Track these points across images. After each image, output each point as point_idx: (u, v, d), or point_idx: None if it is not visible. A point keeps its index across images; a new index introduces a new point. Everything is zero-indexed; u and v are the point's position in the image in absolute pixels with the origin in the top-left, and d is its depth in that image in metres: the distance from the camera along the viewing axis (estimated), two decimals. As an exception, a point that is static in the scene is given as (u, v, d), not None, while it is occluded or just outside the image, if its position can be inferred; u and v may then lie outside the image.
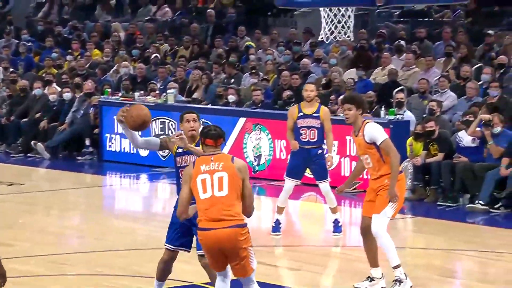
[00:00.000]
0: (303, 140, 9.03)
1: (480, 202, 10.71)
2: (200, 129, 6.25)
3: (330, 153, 9.17)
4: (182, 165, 6.39)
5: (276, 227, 9.28)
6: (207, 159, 5.85)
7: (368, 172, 6.95)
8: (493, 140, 10.91)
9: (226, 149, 12.86)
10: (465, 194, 11.20)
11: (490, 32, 14.65)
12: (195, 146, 6.37)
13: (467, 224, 10.28)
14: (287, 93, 13.70)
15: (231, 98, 13.85)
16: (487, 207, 10.65)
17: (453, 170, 11.10)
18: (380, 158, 6.75)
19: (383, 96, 13.25)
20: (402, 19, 16.98)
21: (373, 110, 12.62)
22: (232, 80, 15.25)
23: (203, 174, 5.79)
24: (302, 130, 9.04)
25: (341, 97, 12.40)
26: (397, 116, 11.93)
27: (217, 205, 5.73)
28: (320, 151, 9.15)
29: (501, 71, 13.25)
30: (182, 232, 6.44)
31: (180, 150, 6.45)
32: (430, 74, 13.78)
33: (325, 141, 9.17)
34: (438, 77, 13.31)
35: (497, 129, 10.94)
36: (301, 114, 9.09)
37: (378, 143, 6.70)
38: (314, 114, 8.97)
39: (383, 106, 12.32)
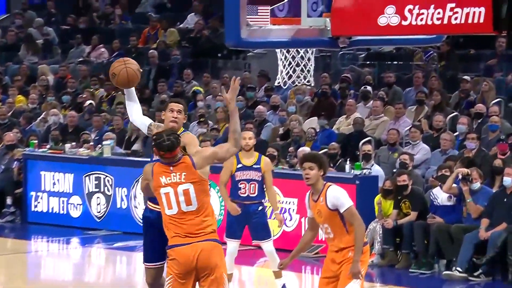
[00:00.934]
0: (242, 195, 9.04)
1: (458, 269, 10.82)
2: (182, 122, 6.57)
3: (276, 211, 9.20)
4: None
5: (228, 298, 9.26)
6: (166, 169, 5.94)
7: (328, 243, 6.97)
8: (472, 198, 11.08)
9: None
10: (441, 259, 11.28)
11: (466, 77, 14.97)
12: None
13: (443, 293, 10.39)
14: (240, 144, 13.82)
15: (176, 150, 13.90)
16: (465, 275, 10.76)
17: (427, 232, 11.20)
18: (343, 227, 6.78)
19: (348, 148, 13.44)
20: (368, 62, 17.29)
21: (337, 164, 12.78)
22: (178, 130, 15.31)
23: (165, 188, 5.89)
24: (241, 183, 9.06)
25: (300, 150, 12.60)
26: (364, 171, 12.05)
27: (188, 220, 5.89)
28: (261, 207, 9.16)
29: (479, 121, 13.56)
30: (157, 246, 6.61)
31: None
32: (400, 123, 14.02)
33: (266, 196, 9.19)
34: (409, 127, 13.55)
35: (476, 184, 11.12)
36: (240, 165, 9.10)
37: (341, 210, 6.72)
38: (255, 166, 8.99)
39: (348, 159, 12.48)
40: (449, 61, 16.12)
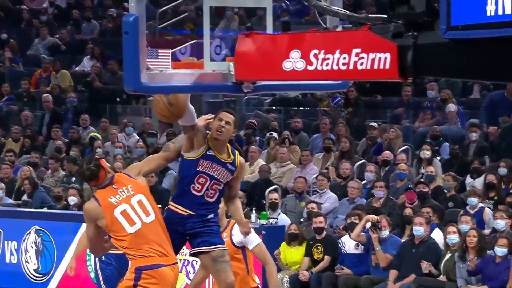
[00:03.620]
0: None
1: (367, 324, 11.06)
2: (228, 134, 6.42)
3: None
4: (202, 170, 6.46)
5: None
6: (109, 190, 5.99)
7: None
8: (381, 246, 11.24)
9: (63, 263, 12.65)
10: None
11: (373, 124, 15.30)
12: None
13: None
14: (139, 194, 13.74)
15: (72, 200, 13.68)
16: (374, 331, 10.98)
17: (335, 285, 11.30)
18: (245, 268, 6.82)
19: (253, 197, 13.52)
20: (274, 107, 17.49)
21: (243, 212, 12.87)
22: (73, 179, 15.14)
23: (119, 206, 5.90)
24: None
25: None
26: (271, 220, 12.08)
27: (155, 232, 5.94)
28: None
29: (386, 168, 13.86)
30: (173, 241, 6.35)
31: (211, 152, 6.46)
32: (307, 171, 14.18)
33: None
34: (316, 175, 13.73)
35: (385, 232, 11.28)
36: None
37: (251, 247, 6.73)
38: None
39: (254, 208, 12.57)
40: (356, 107, 16.41)
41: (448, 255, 10.96)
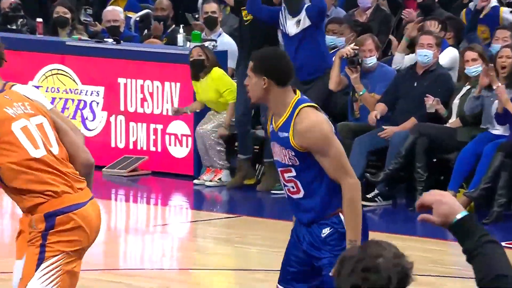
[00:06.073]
0: None
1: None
2: (257, 89, 5.89)
3: None
4: (275, 158, 6.11)
5: None
6: (1, 98, 5.49)
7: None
8: (366, 80, 10.33)
9: None
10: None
11: None
12: None
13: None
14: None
15: None
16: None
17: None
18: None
19: (180, 7, 12.95)
20: None
21: (167, 32, 12.17)
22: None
23: (19, 121, 5.52)
24: None
25: (107, 11, 12.10)
26: (207, 43, 11.14)
27: (63, 165, 5.57)
28: None
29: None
30: (299, 270, 6.05)
31: (271, 127, 6.02)
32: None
33: None
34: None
35: (372, 59, 10.41)
36: None
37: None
38: None
39: (182, 26, 11.95)
40: None
41: (465, 89, 10.03)
